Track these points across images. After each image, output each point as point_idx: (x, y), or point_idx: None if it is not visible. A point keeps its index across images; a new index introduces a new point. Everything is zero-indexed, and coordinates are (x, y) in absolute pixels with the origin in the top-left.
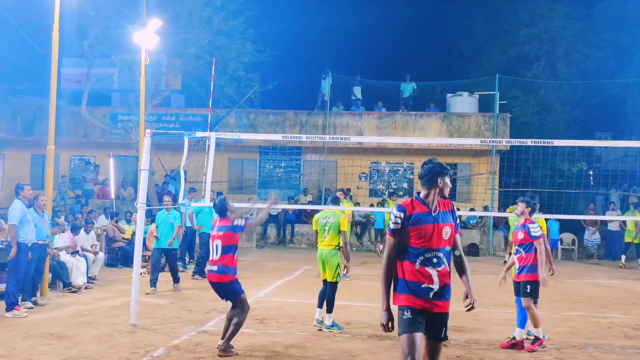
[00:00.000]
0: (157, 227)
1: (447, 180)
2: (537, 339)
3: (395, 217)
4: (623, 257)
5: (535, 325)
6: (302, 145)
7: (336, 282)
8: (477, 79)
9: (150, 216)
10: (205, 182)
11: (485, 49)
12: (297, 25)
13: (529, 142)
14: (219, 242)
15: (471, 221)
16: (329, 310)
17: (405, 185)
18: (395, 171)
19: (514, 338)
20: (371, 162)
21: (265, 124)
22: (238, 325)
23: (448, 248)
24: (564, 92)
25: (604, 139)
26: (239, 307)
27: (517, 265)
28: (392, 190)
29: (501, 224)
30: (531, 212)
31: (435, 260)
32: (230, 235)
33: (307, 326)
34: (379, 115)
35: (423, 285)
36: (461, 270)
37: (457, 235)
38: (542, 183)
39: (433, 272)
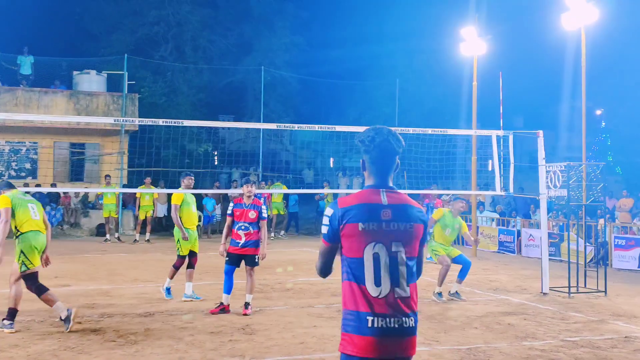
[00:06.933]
0: None
1: None
2: (248, 304)
3: None
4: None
5: (252, 291)
6: None
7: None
8: (106, 57)
9: None
10: None
11: (114, 27)
12: None
13: (160, 122)
14: None
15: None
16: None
17: (27, 165)
18: (16, 151)
19: (221, 304)
20: None
21: None
22: None
23: None
24: (190, 76)
25: (227, 122)
26: None
27: (242, 240)
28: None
29: (129, 204)
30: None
31: None
32: None
33: None
34: None
35: None
36: None
37: None
38: (171, 163)
39: None
